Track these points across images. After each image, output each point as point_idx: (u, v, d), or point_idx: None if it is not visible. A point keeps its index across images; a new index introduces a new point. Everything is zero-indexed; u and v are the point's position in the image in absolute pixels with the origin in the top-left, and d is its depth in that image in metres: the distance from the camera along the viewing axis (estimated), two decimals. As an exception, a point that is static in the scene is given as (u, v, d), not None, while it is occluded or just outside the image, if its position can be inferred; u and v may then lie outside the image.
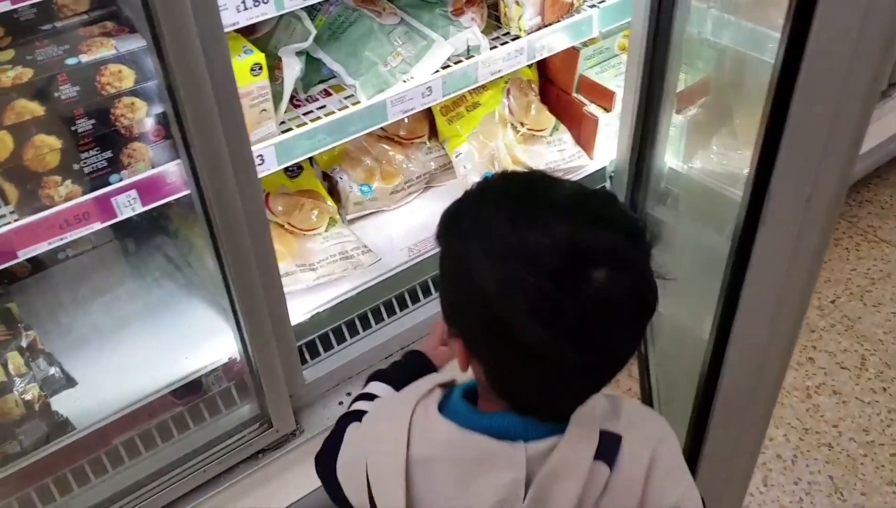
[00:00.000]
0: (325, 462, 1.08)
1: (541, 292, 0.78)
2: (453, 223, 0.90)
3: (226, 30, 1.49)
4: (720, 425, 1.48)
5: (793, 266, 1.25)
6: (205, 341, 1.95)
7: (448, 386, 0.99)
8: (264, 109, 1.72)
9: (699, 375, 1.54)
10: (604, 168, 2.44)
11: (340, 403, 2.04)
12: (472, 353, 0.89)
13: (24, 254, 1.45)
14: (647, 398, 2.13)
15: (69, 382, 1.83)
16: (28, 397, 1.69)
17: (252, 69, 1.66)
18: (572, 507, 0.86)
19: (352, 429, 1.07)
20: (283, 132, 1.79)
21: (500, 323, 0.81)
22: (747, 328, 1.37)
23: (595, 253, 0.80)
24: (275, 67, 1.80)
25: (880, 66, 1.04)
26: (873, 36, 0.99)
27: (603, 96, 2.39)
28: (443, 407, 0.95)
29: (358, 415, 1.09)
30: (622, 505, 0.90)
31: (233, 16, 1.54)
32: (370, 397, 1.16)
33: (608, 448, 0.88)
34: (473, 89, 2.21)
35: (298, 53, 1.84)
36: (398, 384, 1.12)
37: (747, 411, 1.47)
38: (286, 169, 2.16)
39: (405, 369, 1.20)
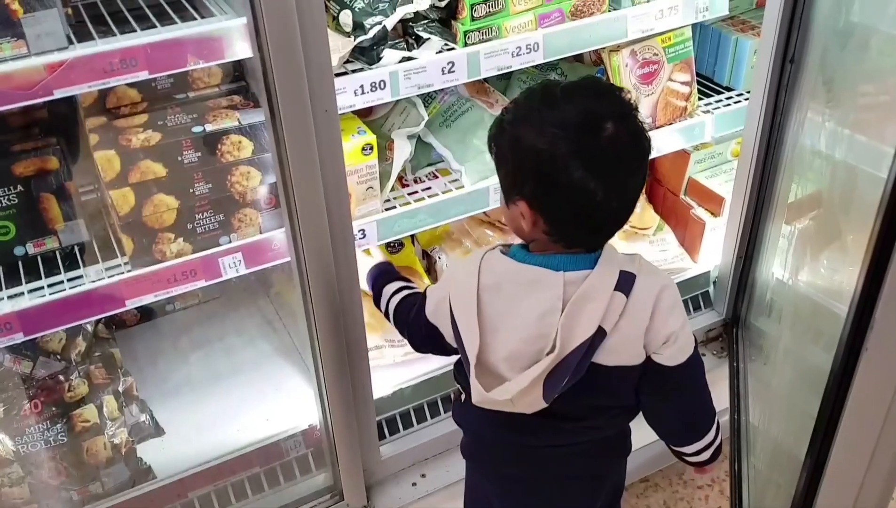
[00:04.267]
0: (415, 316, 1.42)
1: (573, 142, 1.13)
2: (504, 122, 1.23)
3: (342, 111, 1.57)
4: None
5: (896, 398, 1.18)
6: (289, 405, 1.99)
7: (506, 246, 1.31)
8: (371, 187, 1.79)
9: (792, 499, 1.45)
10: (707, 273, 2.38)
11: (414, 484, 2.02)
12: (533, 208, 1.19)
13: (132, 303, 1.53)
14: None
15: (157, 430, 1.90)
16: (117, 440, 1.76)
17: (363, 149, 1.73)
18: (597, 322, 1.18)
19: (430, 289, 1.42)
20: (387, 210, 1.85)
21: (550, 172, 1.15)
22: (845, 458, 1.29)
23: (603, 113, 1.16)
24: (386, 147, 1.87)
25: None
26: None
27: (711, 201, 2.35)
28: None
29: (412, 297, 1.49)
30: (634, 327, 1.21)
31: (350, 98, 1.62)
32: (399, 290, 1.53)
33: (626, 282, 1.20)
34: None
35: (410, 137, 1.90)
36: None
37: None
38: (387, 244, 2.21)
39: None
